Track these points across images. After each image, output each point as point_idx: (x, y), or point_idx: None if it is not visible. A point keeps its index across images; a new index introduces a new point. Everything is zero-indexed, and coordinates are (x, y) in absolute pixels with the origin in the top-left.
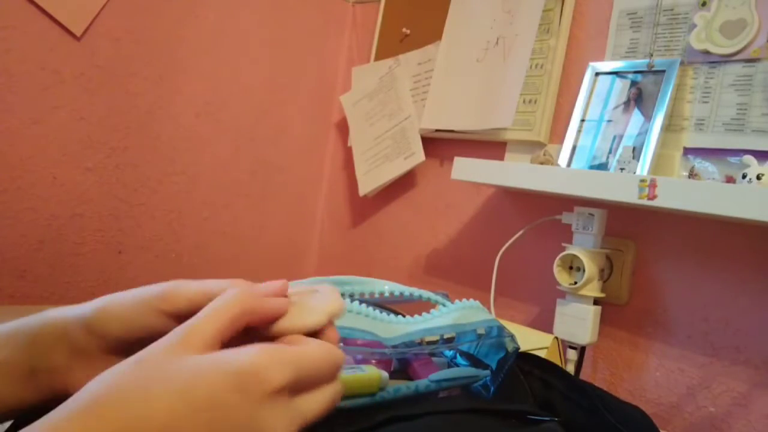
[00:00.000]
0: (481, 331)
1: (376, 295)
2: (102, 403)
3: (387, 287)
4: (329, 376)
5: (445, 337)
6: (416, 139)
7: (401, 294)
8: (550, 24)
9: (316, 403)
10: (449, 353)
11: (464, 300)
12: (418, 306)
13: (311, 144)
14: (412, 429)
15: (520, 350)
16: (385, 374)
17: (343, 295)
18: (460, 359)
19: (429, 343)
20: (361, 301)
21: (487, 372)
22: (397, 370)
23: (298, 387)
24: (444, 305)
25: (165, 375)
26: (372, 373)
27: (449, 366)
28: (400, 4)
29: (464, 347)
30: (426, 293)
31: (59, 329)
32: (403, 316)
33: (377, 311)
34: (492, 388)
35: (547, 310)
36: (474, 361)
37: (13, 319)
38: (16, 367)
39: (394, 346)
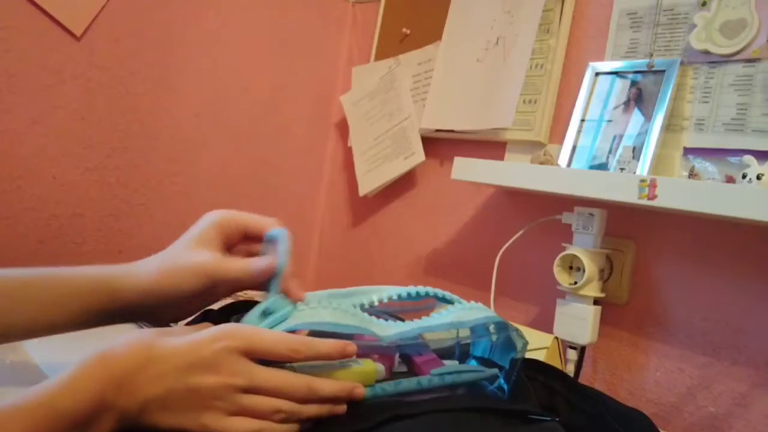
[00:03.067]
0: (492, 329)
1: (375, 303)
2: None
3: (386, 293)
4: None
5: (461, 335)
6: (416, 139)
7: (409, 294)
8: (550, 24)
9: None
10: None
11: (468, 302)
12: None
13: (311, 144)
14: (414, 427)
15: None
16: (381, 366)
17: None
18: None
19: (441, 340)
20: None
21: (493, 370)
22: (401, 372)
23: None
24: (452, 303)
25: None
26: (368, 365)
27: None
28: (400, 4)
29: (479, 350)
30: (434, 290)
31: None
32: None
33: (373, 317)
34: (507, 388)
35: (547, 310)
36: (486, 363)
37: None
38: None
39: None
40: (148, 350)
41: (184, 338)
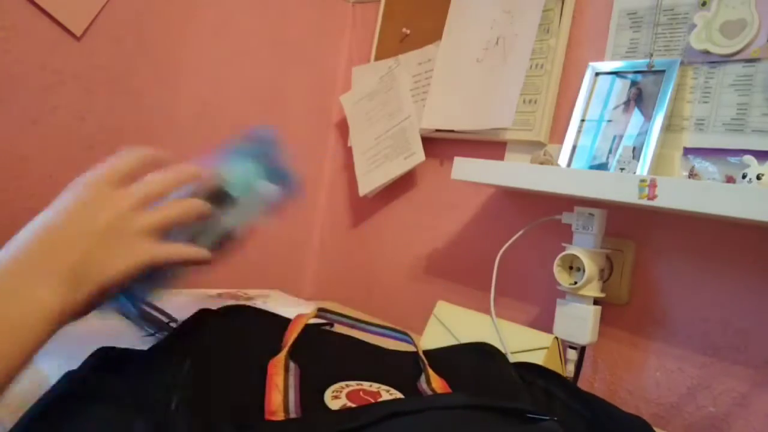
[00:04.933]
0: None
1: None
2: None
3: None
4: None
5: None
6: (416, 139)
7: None
8: (550, 24)
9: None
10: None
11: None
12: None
13: (311, 144)
14: (413, 424)
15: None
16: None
17: None
18: None
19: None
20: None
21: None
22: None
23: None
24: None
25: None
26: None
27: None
28: (400, 4)
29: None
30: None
31: None
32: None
33: None
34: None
35: (547, 310)
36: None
37: None
38: None
39: None
40: (45, 235)
41: (57, 209)
